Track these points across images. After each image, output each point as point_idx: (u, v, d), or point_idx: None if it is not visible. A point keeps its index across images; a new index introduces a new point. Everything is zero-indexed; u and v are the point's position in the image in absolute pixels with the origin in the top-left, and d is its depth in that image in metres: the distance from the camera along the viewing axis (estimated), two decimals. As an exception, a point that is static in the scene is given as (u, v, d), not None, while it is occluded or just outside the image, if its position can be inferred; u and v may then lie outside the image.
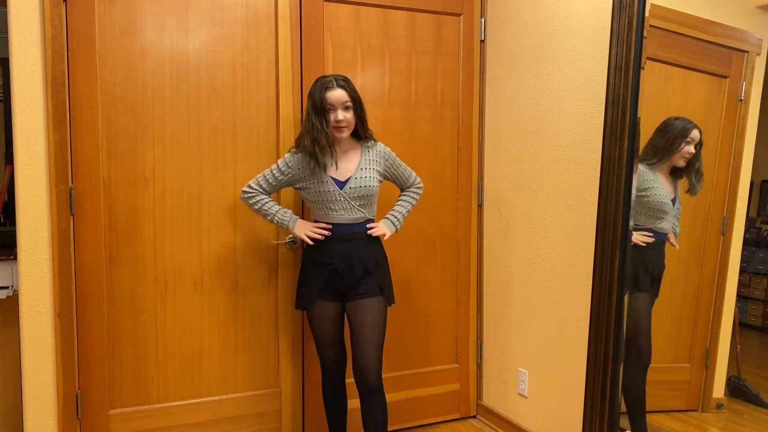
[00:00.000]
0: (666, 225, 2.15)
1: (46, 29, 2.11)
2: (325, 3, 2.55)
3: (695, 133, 2.09)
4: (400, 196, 2.40)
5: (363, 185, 2.17)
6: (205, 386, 2.50)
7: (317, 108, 2.11)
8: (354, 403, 2.37)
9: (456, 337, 2.96)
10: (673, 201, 2.14)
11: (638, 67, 2.04)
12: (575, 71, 2.35)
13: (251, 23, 2.45)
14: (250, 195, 2.25)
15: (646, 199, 2.14)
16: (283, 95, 2.50)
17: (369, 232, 2.21)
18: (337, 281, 2.19)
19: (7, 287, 2.42)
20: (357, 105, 2.18)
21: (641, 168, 2.12)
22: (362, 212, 2.19)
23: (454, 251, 2.92)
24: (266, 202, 2.25)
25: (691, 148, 2.09)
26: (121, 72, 2.28)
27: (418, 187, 2.40)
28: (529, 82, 2.60)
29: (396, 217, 2.33)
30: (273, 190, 2.28)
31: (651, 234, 2.15)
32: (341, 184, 2.16)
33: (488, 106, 2.89)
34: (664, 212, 2.14)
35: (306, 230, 2.20)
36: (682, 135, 2.09)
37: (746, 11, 2.04)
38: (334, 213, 2.17)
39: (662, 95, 2.16)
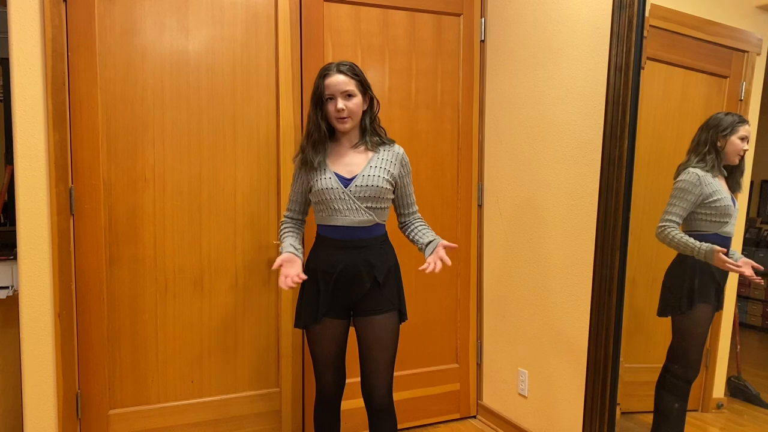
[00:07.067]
0: (730, 229, 2.08)
1: (46, 29, 2.11)
2: (325, 3, 2.55)
3: (748, 129, 2.00)
4: (414, 225, 2.11)
5: (371, 184, 1.93)
6: (205, 386, 2.50)
7: (314, 98, 1.94)
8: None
9: (456, 337, 2.96)
10: (733, 203, 2.07)
11: (638, 67, 2.04)
12: (575, 71, 2.35)
13: (251, 23, 2.45)
14: (282, 227, 2.10)
15: (716, 204, 2.04)
16: (283, 95, 2.50)
17: (427, 270, 1.88)
18: (343, 295, 1.96)
19: (7, 287, 2.42)
20: (364, 93, 1.96)
21: (701, 173, 2.05)
22: (370, 215, 1.95)
23: (454, 251, 2.91)
24: (284, 232, 2.07)
25: (745, 145, 2.01)
26: (121, 72, 2.28)
27: (422, 220, 2.14)
28: (529, 82, 2.60)
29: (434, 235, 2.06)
30: (303, 206, 2.09)
31: (716, 241, 2.07)
32: (346, 182, 1.94)
33: (488, 106, 2.89)
34: (729, 215, 2.06)
35: (289, 270, 1.91)
36: (731, 128, 2.01)
37: (746, 11, 2.04)
38: (339, 215, 1.93)
39: (662, 95, 2.16)
